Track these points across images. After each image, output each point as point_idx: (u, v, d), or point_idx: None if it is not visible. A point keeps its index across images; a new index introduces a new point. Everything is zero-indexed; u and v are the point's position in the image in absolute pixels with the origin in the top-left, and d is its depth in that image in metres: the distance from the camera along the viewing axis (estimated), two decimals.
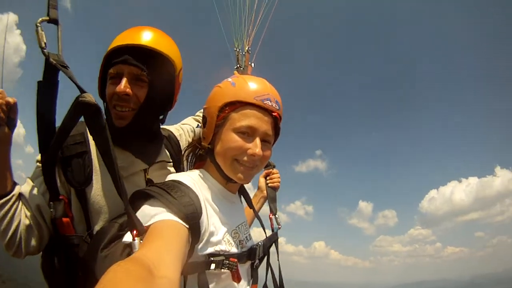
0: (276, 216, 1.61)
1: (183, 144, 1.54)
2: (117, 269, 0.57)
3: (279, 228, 1.56)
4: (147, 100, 1.19)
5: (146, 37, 1.18)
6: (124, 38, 1.17)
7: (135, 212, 0.87)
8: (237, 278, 1.02)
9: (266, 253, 1.34)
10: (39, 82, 0.96)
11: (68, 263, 1.10)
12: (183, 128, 1.67)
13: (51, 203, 1.08)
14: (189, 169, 1.29)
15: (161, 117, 1.37)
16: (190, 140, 1.60)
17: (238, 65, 2.09)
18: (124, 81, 1.14)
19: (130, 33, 1.20)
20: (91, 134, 0.92)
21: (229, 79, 1.12)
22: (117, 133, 1.14)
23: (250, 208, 1.47)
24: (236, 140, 1.04)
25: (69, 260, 1.09)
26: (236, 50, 2.03)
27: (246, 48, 2.05)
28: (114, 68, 1.16)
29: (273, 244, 1.43)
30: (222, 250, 1.01)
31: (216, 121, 1.08)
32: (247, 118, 1.04)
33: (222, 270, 0.98)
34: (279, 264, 1.44)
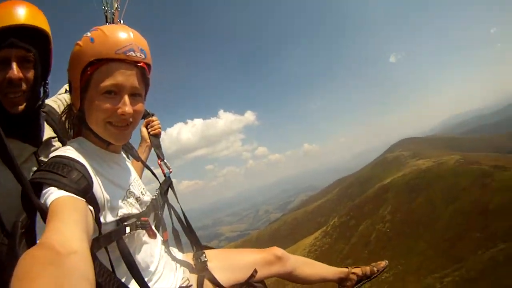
0: (165, 161, 1.63)
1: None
2: (25, 258, 0.56)
3: (170, 172, 1.58)
4: (35, 80, 1.16)
5: (24, 14, 1.09)
6: None
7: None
8: (153, 234, 1.08)
9: (165, 198, 1.40)
10: None
11: None
12: (60, 98, 1.53)
13: None
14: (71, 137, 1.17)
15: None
16: None
17: (108, 24, 1.77)
18: (15, 66, 1.08)
19: (1, 14, 1.07)
20: None
21: (88, 34, 1.01)
22: (13, 121, 1.11)
23: (138, 160, 1.48)
24: (103, 102, 0.98)
25: None
26: (104, 8, 1.75)
27: (115, 6, 1.79)
28: None
29: (169, 187, 1.49)
30: (125, 214, 1.03)
31: (80, 85, 1.01)
32: (111, 76, 0.97)
33: (137, 231, 1.03)
34: (180, 205, 1.52)
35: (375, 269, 1.75)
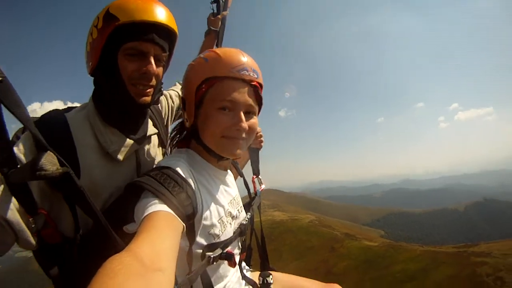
0: (260, 177, 1.59)
1: (163, 107, 1.49)
2: (112, 262, 0.55)
3: (261, 190, 1.55)
4: (161, 78, 1.19)
5: (165, 14, 1.09)
6: (143, 12, 1.04)
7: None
8: (233, 264, 1.06)
9: (252, 223, 1.34)
10: None
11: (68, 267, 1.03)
12: (166, 93, 1.56)
13: (30, 219, 0.95)
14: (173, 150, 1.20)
15: None
16: (174, 105, 1.56)
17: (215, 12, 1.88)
18: (153, 60, 1.09)
19: (146, 7, 1.05)
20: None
21: (201, 56, 1.05)
22: (136, 110, 1.14)
23: (239, 175, 1.46)
24: (218, 117, 0.99)
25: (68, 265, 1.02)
26: None
27: None
28: (138, 44, 1.05)
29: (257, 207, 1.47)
30: (215, 234, 1.02)
31: (194, 101, 1.03)
32: (226, 93, 0.99)
33: (220, 261, 1.03)
34: (261, 226, 1.53)
35: None
